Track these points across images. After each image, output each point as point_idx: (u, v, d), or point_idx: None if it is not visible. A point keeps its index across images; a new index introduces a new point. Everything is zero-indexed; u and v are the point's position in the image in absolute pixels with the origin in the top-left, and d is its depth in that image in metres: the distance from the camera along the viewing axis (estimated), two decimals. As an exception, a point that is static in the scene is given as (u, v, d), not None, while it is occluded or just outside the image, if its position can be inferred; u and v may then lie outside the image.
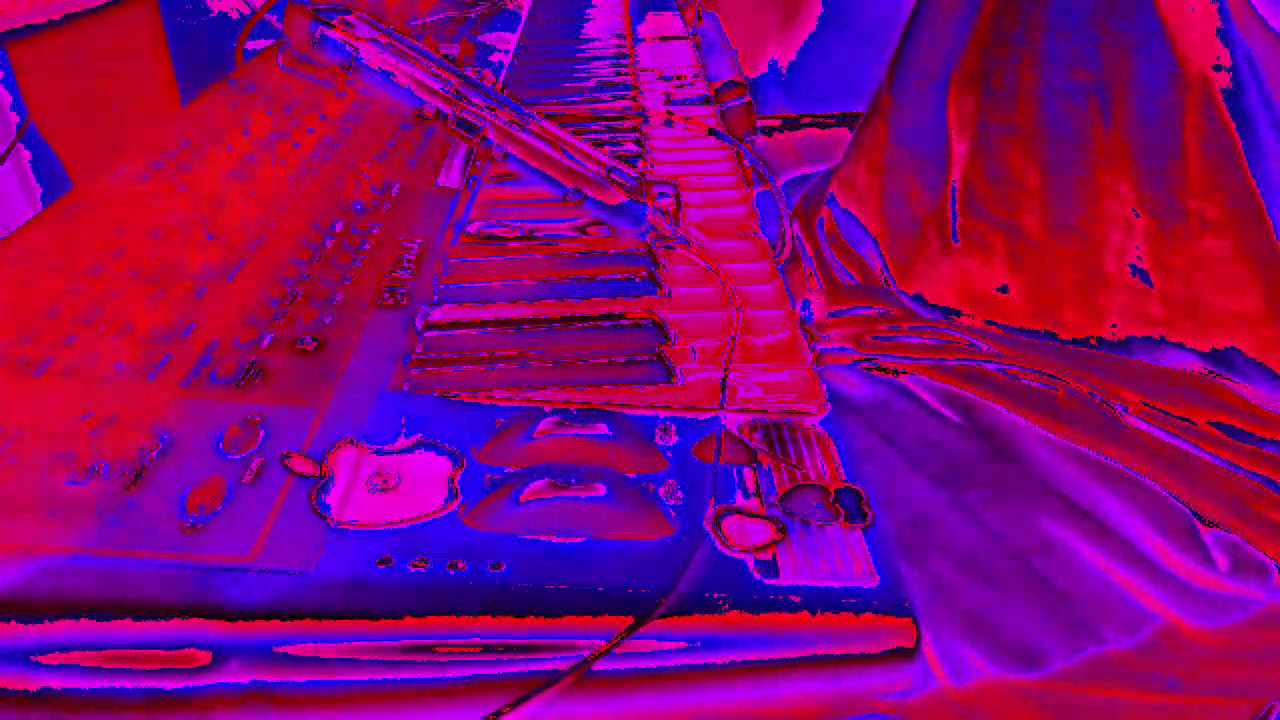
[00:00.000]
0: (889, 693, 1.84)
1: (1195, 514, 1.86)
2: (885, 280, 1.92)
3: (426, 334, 1.99)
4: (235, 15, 1.91)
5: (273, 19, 1.94)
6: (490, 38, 1.94)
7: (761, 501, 1.88)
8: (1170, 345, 1.89)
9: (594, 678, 1.82)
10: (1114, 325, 1.92)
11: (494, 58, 1.95)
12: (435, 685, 1.82)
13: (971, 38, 1.92)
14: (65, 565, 1.79)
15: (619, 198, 2.01)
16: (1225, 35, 1.87)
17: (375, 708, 1.81)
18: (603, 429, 1.90)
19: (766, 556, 1.88)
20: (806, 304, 1.91)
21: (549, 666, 1.82)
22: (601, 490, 1.87)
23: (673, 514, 1.86)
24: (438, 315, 2.03)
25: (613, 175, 2.05)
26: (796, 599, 1.85)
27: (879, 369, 1.91)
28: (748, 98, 1.92)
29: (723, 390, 1.91)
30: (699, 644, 1.85)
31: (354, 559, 1.86)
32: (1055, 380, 1.92)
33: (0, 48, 1.83)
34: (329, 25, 1.95)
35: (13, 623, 1.78)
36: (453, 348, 1.96)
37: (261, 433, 1.85)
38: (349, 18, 1.97)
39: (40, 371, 1.85)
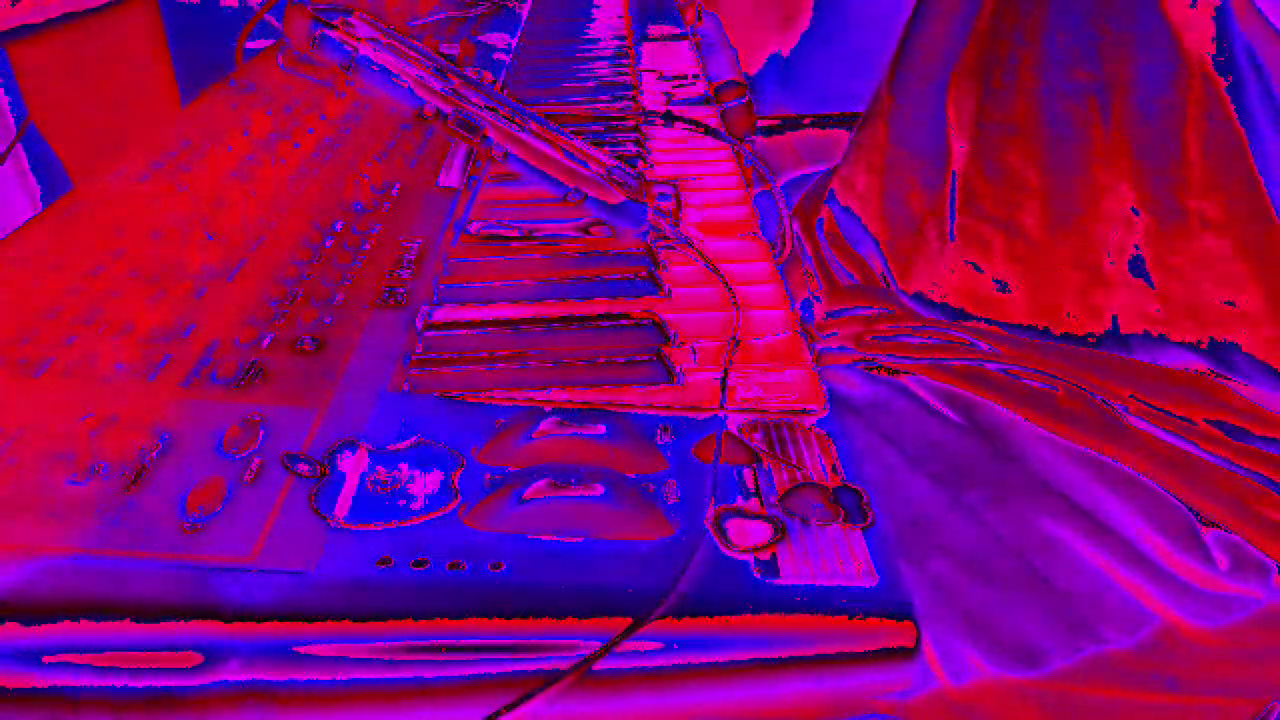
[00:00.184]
0: (889, 693, 1.84)
1: (1195, 514, 1.86)
2: (885, 280, 1.92)
3: (426, 334, 1.99)
4: (235, 15, 1.91)
5: (272, 19, 1.94)
6: (490, 38, 1.94)
7: (761, 501, 1.88)
8: (1171, 344, 1.89)
9: (594, 678, 1.82)
10: (1114, 324, 1.92)
11: (494, 57, 1.95)
12: (435, 685, 1.82)
13: (971, 37, 1.92)
14: (65, 565, 1.79)
15: (619, 198, 2.01)
16: (1226, 32, 1.87)
17: (375, 707, 1.81)
18: (602, 429, 1.90)
19: (766, 556, 1.88)
20: (806, 304, 1.91)
21: (549, 666, 1.82)
22: (601, 490, 1.87)
23: (673, 514, 1.86)
24: (438, 315, 2.04)
25: (613, 175, 2.05)
26: (796, 599, 1.85)
27: (879, 369, 1.91)
28: (748, 98, 1.92)
29: (723, 390, 1.91)
30: (699, 644, 1.85)
31: (354, 559, 1.86)
32: (1055, 380, 1.92)
33: (0, 48, 1.83)
34: (329, 25, 1.95)
35: (13, 623, 1.78)
36: (453, 348, 1.96)
37: (261, 433, 1.85)
38: (349, 18, 1.97)
39: (40, 371, 1.85)
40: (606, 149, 1.97)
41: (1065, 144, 1.94)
